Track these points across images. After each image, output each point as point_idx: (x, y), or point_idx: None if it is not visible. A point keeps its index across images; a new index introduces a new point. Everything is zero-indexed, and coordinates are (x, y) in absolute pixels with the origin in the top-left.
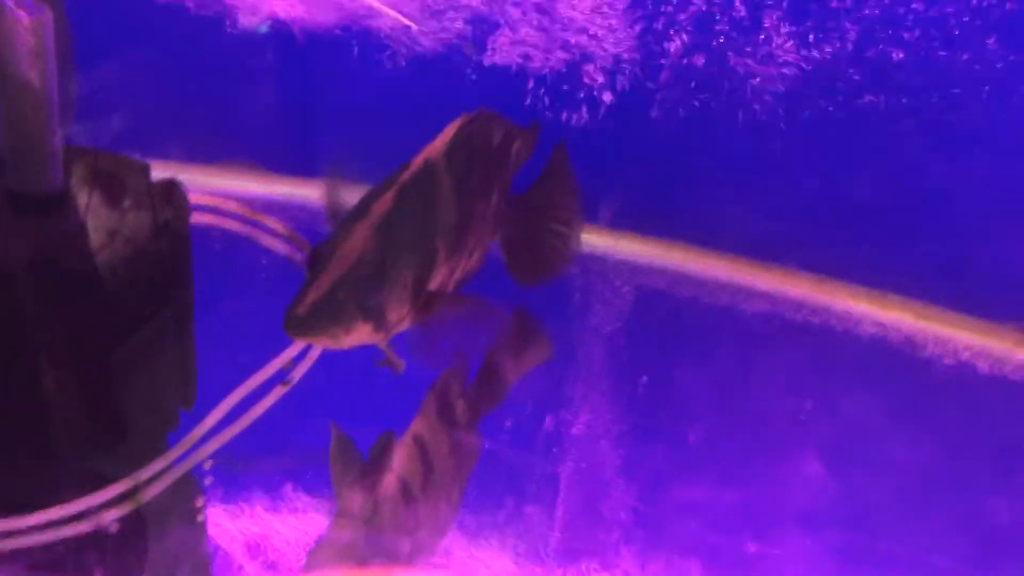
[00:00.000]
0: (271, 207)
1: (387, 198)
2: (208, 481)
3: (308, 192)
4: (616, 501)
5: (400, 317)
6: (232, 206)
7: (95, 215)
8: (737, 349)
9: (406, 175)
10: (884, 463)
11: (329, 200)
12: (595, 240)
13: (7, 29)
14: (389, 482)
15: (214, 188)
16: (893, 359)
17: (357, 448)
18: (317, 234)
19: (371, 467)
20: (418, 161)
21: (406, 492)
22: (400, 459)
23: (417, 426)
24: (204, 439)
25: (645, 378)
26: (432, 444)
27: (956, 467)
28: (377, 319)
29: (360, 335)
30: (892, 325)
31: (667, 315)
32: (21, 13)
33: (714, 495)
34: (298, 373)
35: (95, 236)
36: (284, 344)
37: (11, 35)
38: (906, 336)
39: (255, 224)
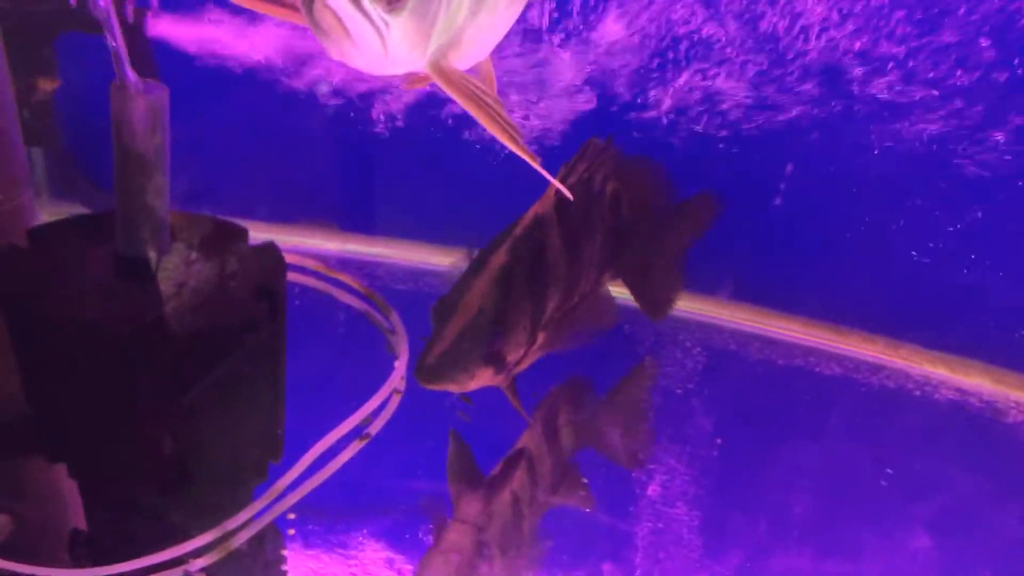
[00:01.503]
0: (347, 264)
1: (502, 252)
2: (290, 532)
3: (379, 250)
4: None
5: (518, 359)
6: (310, 263)
7: (198, 277)
8: (808, 409)
9: (518, 230)
10: (969, 530)
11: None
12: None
13: (126, 104)
14: (505, 495)
15: (293, 246)
16: (973, 425)
17: (474, 458)
18: (390, 290)
19: (488, 478)
20: (529, 215)
21: (517, 506)
22: (514, 474)
23: (526, 442)
24: (287, 490)
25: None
26: (539, 463)
27: None
28: (498, 364)
29: (482, 379)
30: (972, 390)
31: (741, 377)
32: (140, 89)
33: (792, 562)
34: (376, 427)
35: (198, 297)
36: (363, 398)
37: (130, 110)
38: (987, 402)
39: (334, 281)
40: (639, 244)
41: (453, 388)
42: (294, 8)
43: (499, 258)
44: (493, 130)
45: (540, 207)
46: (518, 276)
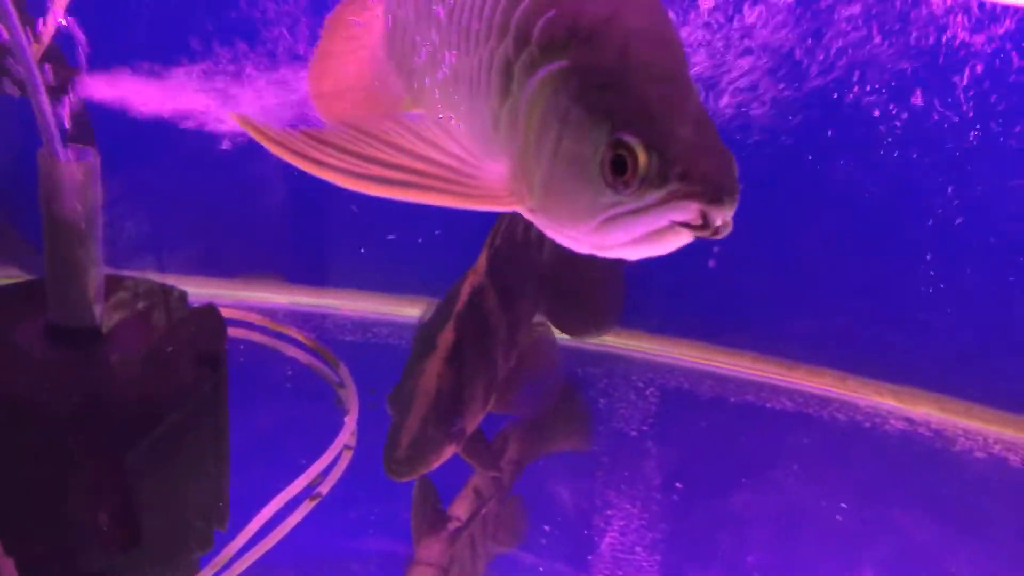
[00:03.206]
0: (293, 318)
1: (448, 330)
2: None
3: (327, 302)
4: None
5: (476, 423)
6: (255, 318)
7: (132, 343)
8: (763, 445)
9: (459, 305)
10: (921, 560)
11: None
12: (617, 340)
13: (55, 172)
14: (464, 536)
15: (239, 301)
16: (924, 454)
17: (439, 499)
18: (339, 342)
19: (446, 518)
20: (465, 289)
21: (474, 548)
22: (467, 513)
23: (477, 484)
24: (235, 557)
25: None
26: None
27: (993, 563)
28: (461, 439)
29: (448, 454)
30: (920, 420)
31: (691, 413)
32: (68, 157)
33: None
34: (327, 486)
35: (134, 366)
36: (311, 457)
37: (59, 177)
38: (935, 431)
39: (279, 335)
40: (561, 278)
41: (424, 472)
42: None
43: (447, 336)
44: None
45: (474, 278)
46: (467, 351)
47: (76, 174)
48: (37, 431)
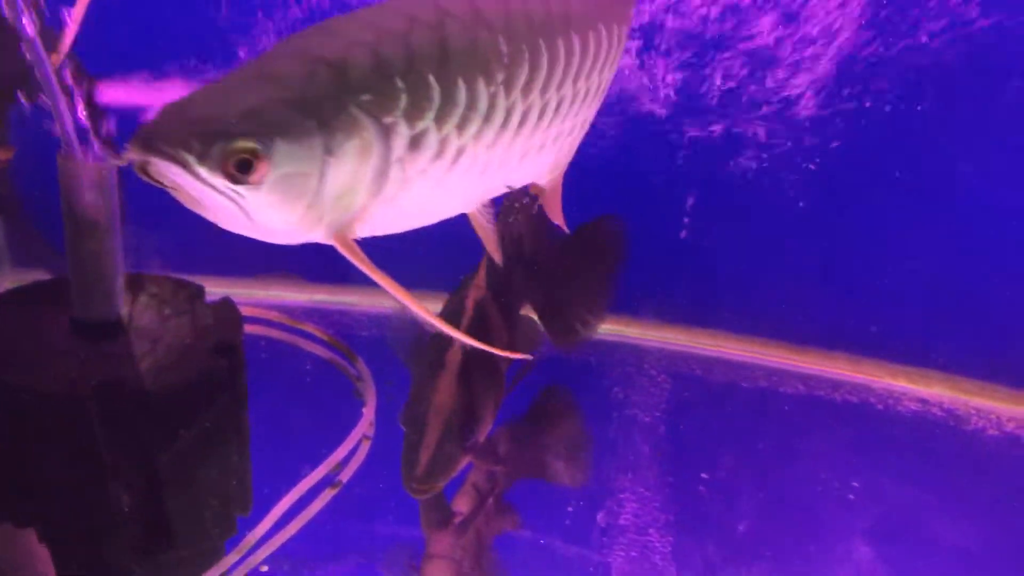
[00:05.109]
0: (311, 315)
1: (456, 349)
2: None
3: (344, 299)
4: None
5: (486, 432)
6: (274, 316)
7: (153, 336)
8: (776, 430)
9: (465, 321)
10: (935, 541)
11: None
12: (628, 329)
13: (75, 173)
14: (471, 529)
15: (257, 300)
16: (937, 434)
17: (444, 496)
18: (356, 337)
19: (455, 514)
20: (469, 305)
21: (479, 539)
22: (470, 507)
23: (476, 479)
24: (259, 543)
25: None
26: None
27: (1009, 541)
28: (475, 450)
29: (462, 466)
30: (933, 400)
31: (703, 400)
32: (88, 158)
33: None
34: (347, 474)
35: (156, 357)
36: (331, 447)
37: (79, 178)
38: (948, 410)
39: (298, 332)
40: (547, 276)
41: (443, 486)
42: None
43: (456, 355)
44: (399, 296)
45: (476, 293)
46: (476, 366)
47: (93, 173)
48: (62, 421)
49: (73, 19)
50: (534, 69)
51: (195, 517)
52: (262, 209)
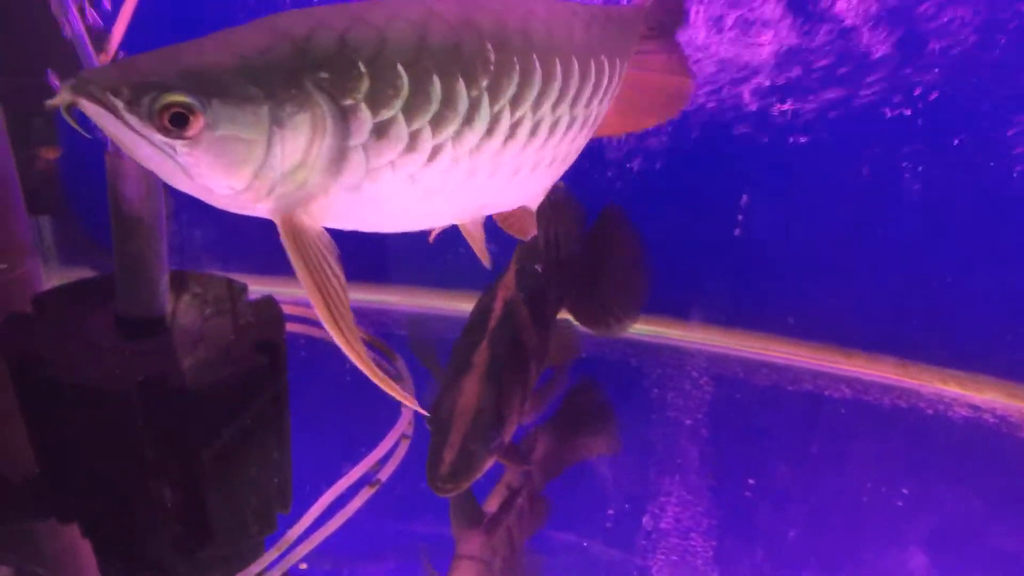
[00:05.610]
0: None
1: (483, 349)
2: None
3: (384, 298)
4: None
5: (512, 433)
6: (315, 314)
7: (196, 334)
8: (822, 434)
9: (492, 323)
10: (986, 550)
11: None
12: (671, 331)
13: (123, 172)
14: (501, 530)
15: (299, 298)
16: (989, 441)
17: (474, 496)
18: (394, 337)
19: (487, 514)
20: (498, 305)
21: (511, 540)
22: (507, 510)
23: (510, 480)
24: (298, 541)
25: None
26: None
27: None
28: (500, 451)
29: (488, 467)
30: (985, 406)
31: (747, 403)
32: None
33: None
34: (385, 473)
35: (199, 354)
36: (370, 445)
37: (123, 177)
38: (1000, 417)
39: None
40: (579, 273)
41: (467, 486)
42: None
43: (482, 355)
44: (322, 316)
45: (504, 293)
46: (504, 367)
47: (140, 172)
48: (107, 416)
49: (121, 19)
50: (526, 83)
51: (235, 514)
52: (201, 168)
